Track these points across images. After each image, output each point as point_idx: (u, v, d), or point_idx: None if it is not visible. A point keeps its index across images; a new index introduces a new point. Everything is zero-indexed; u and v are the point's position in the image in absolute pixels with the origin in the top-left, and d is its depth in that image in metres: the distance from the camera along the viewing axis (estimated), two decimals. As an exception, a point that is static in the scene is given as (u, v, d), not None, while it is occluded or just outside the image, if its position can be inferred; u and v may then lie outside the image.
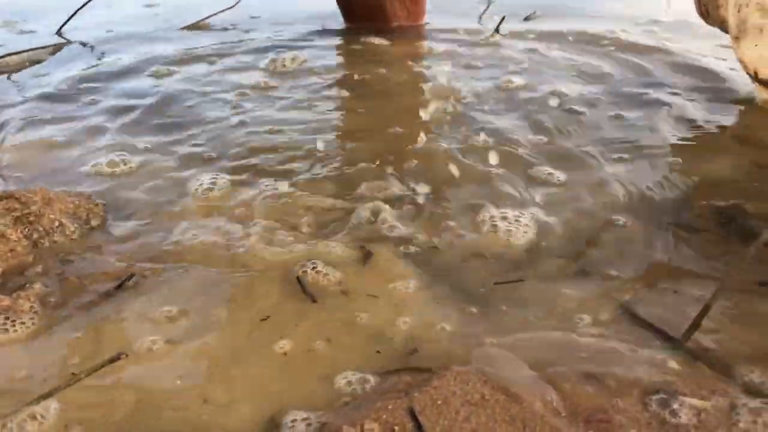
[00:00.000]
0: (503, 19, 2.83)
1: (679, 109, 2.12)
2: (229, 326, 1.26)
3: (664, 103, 2.15)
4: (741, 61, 2.06)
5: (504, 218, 1.53)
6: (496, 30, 2.78)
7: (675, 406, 1.03)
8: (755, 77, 2.03)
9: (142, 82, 2.37)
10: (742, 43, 2.02)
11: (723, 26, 2.12)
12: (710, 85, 2.28)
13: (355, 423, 0.98)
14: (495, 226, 1.50)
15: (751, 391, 1.07)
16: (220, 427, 1.06)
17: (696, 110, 2.11)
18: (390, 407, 1.04)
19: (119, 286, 1.36)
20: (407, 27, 2.85)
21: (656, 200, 1.63)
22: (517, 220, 1.52)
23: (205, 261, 1.43)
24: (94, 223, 1.58)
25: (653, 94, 2.22)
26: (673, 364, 1.14)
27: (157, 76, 2.40)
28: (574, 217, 1.57)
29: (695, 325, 1.17)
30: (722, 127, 2.02)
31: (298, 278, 1.35)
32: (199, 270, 1.40)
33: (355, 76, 2.39)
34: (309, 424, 1.05)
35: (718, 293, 1.18)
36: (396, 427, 1.01)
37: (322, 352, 1.19)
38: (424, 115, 2.05)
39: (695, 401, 1.04)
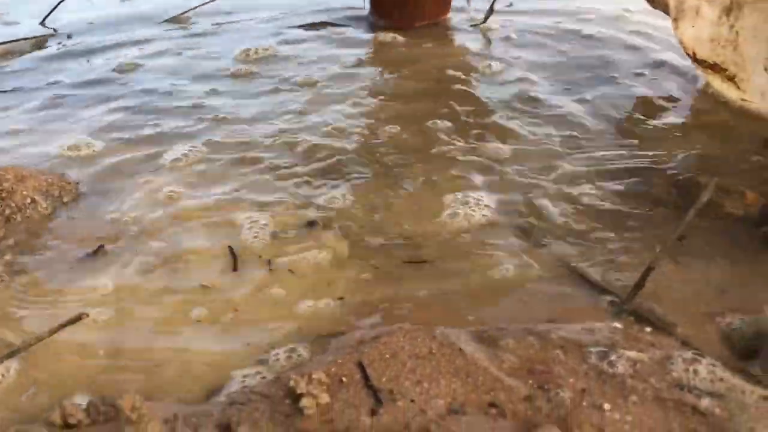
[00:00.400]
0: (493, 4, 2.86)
1: (644, 91, 2.17)
2: (179, 293, 1.32)
3: (629, 85, 2.20)
4: (681, 43, 2.10)
5: (457, 195, 1.59)
6: (488, 15, 2.79)
7: (613, 357, 1.08)
8: (693, 58, 2.07)
9: (114, 72, 2.39)
10: (680, 24, 2.07)
11: (666, 9, 2.17)
12: (675, 71, 2.33)
13: (304, 374, 1.02)
14: (449, 201, 1.56)
15: (687, 344, 1.12)
16: (179, 383, 1.10)
17: (660, 92, 2.16)
18: (340, 361, 1.09)
19: (88, 256, 1.41)
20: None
21: (612, 173, 1.68)
22: (470, 198, 1.57)
23: (165, 233, 1.49)
24: (66, 199, 1.62)
25: (620, 78, 2.26)
26: (616, 323, 1.18)
27: (125, 68, 2.42)
28: (527, 190, 1.62)
29: (639, 285, 1.22)
30: (681, 107, 2.06)
31: (230, 248, 1.43)
32: (157, 241, 1.46)
33: (328, 68, 2.41)
34: (263, 377, 1.09)
35: (660, 255, 1.23)
36: (344, 378, 1.05)
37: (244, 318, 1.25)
38: (392, 99, 2.11)
39: (632, 353, 1.09)
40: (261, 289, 1.31)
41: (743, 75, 1.93)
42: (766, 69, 1.86)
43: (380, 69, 2.37)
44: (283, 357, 1.14)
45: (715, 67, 2.01)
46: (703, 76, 2.11)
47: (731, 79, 1.97)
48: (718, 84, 2.02)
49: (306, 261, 1.38)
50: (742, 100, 1.96)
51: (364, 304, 1.27)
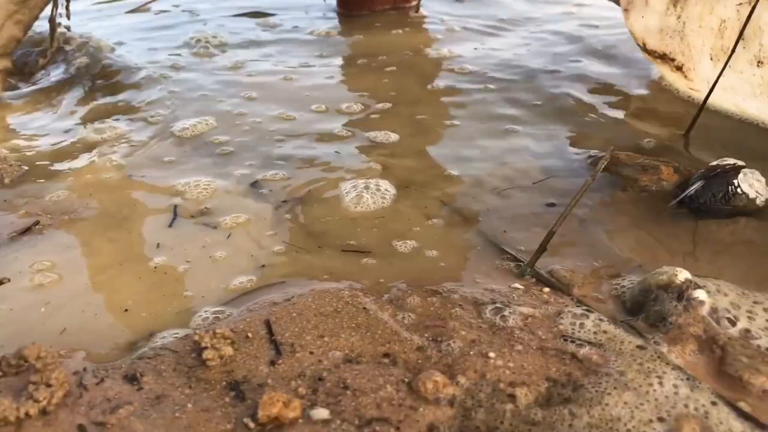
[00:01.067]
0: None
1: (589, 76, 2.24)
2: (116, 259, 1.37)
3: (576, 73, 2.27)
4: (631, 33, 2.16)
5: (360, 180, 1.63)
6: None
7: (506, 313, 1.14)
8: (644, 48, 2.14)
9: (69, 64, 2.46)
10: (630, 15, 2.13)
11: (617, 0, 2.24)
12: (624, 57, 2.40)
13: (209, 330, 1.08)
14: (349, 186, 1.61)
15: (581, 302, 1.18)
16: (104, 338, 1.15)
17: (608, 80, 2.23)
18: (248, 319, 1.15)
19: (25, 232, 1.46)
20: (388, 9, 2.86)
21: (532, 150, 1.77)
22: (378, 187, 1.64)
23: (106, 203, 1.55)
24: (7, 180, 1.67)
25: (568, 65, 2.33)
26: (517, 283, 1.25)
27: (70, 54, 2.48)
28: (449, 162, 1.71)
29: (541, 249, 1.28)
30: (627, 95, 2.13)
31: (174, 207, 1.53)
32: (99, 212, 1.53)
33: (258, 55, 2.49)
34: (176, 336, 1.14)
35: (560, 220, 1.29)
36: (250, 334, 1.11)
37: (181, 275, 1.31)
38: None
39: (525, 309, 1.15)
40: (192, 254, 1.37)
41: (690, 65, 1.99)
42: (711, 58, 1.92)
43: (311, 55, 2.45)
44: (199, 319, 1.19)
45: (664, 58, 2.07)
46: (655, 66, 2.17)
47: (679, 68, 2.03)
48: (668, 74, 2.09)
49: (238, 229, 1.45)
50: (691, 89, 2.03)
51: (282, 273, 1.32)
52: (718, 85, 1.85)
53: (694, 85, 2.01)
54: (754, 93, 1.84)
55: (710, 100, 1.85)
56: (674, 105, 2.02)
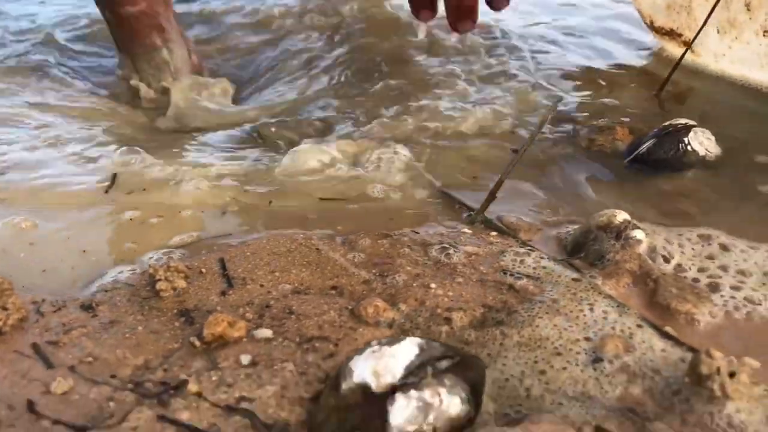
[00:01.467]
0: None
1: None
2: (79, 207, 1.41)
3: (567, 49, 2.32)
4: (639, 11, 2.20)
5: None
6: None
7: (451, 251, 1.19)
8: (651, 26, 2.17)
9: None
10: None
11: None
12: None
13: (164, 264, 1.13)
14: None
15: (525, 244, 1.23)
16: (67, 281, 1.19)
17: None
18: (203, 258, 1.19)
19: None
20: None
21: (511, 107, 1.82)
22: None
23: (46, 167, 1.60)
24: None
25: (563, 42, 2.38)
26: (466, 229, 1.29)
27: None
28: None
29: (490, 196, 1.33)
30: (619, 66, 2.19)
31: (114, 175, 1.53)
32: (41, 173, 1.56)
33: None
34: (133, 272, 1.18)
35: (508, 169, 1.34)
36: (203, 270, 1.15)
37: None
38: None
39: (470, 248, 1.20)
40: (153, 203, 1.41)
41: (697, 39, 2.02)
42: (718, 31, 1.96)
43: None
44: (155, 258, 1.23)
45: (672, 34, 2.11)
46: (657, 41, 2.20)
47: (687, 44, 2.07)
48: (675, 50, 2.12)
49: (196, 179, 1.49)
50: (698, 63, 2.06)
51: (243, 220, 1.37)
52: (727, 58, 1.89)
53: (701, 59, 2.04)
54: (761, 63, 1.86)
55: (721, 71, 1.90)
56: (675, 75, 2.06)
